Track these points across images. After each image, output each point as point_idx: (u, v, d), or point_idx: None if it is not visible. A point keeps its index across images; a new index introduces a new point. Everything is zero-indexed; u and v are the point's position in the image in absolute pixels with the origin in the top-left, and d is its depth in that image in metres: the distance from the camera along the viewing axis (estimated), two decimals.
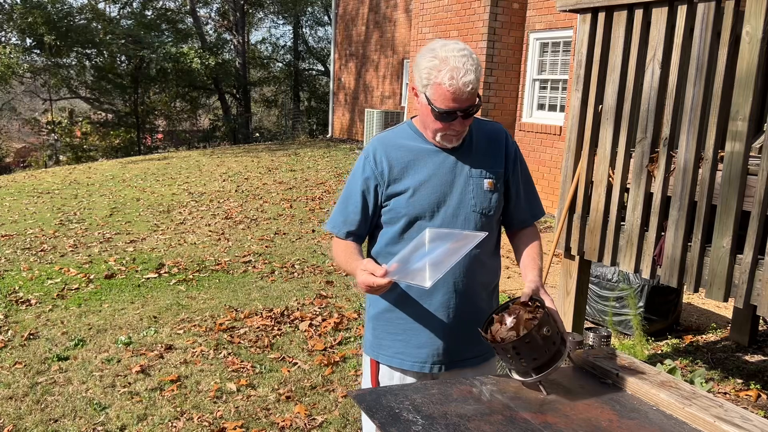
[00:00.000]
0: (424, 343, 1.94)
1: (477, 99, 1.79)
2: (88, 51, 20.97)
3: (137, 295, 5.28)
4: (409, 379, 1.97)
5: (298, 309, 4.98)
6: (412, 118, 1.99)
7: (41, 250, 6.64)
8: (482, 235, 1.70)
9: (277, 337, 4.43)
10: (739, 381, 3.90)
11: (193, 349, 4.18)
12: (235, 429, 3.20)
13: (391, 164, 1.90)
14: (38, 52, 20.40)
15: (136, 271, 5.93)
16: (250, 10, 25.54)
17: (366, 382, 2.08)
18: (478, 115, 1.96)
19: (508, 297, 2.00)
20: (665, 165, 3.15)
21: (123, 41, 20.41)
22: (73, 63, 21.65)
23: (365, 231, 1.99)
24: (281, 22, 28.83)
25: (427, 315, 1.92)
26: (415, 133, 1.94)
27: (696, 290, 3.07)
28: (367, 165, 1.93)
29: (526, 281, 1.85)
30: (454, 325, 1.92)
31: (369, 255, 2.03)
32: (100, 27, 20.78)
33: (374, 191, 1.93)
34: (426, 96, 1.80)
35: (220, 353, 4.11)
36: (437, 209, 1.88)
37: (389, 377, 2.00)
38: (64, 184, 11.38)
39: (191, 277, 5.78)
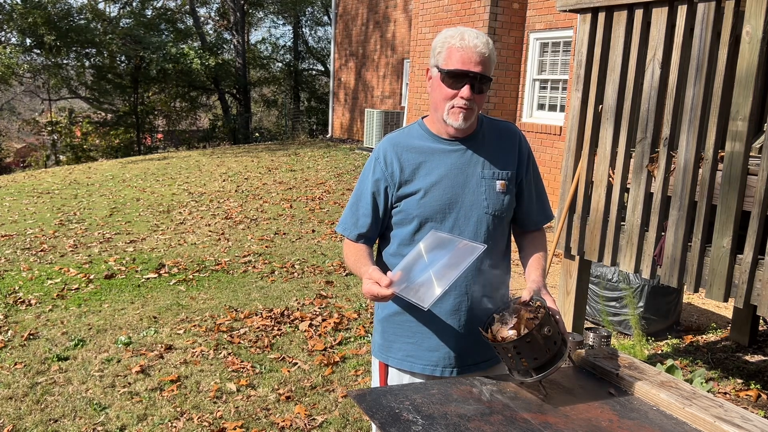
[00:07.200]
0: (435, 346, 1.92)
1: (488, 74, 1.80)
2: (88, 51, 20.97)
3: (137, 295, 5.27)
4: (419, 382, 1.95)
5: (298, 309, 4.98)
6: (423, 117, 1.97)
7: (41, 250, 6.64)
8: (481, 247, 1.68)
9: (277, 337, 4.43)
10: (739, 381, 3.90)
11: (193, 349, 4.18)
12: (235, 429, 3.20)
13: (402, 165, 1.88)
14: (38, 52, 20.40)
15: (136, 271, 5.93)
16: (250, 10, 25.54)
17: (375, 386, 2.06)
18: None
19: (510, 296, 2.01)
20: (665, 165, 3.15)
21: (123, 41, 20.40)
22: (73, 63, 21.65)
23: (376, 233, 1.98)
24: (281, 22, 28.85)
25: (439, 318, 1.90)
26: (426, 132, 1.92)
27: (696, 290, 3.07)
28: (377, 166, 1.91)
29: (528, 281, 1.85)
30: (466, 328, 1.90)
31: (380, 255, 2.02)
32: (99, 27, 20.78)
33: (384, 193, 1.91)
34: (438, 67, 1.82)
35: (220, 353, 4.11)
36: (449, 211, 1.86)
37: (399, 380, 1.98)
38: (64, 184, 11.38)
39: (191, 277, 5.78)
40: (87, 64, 21.58)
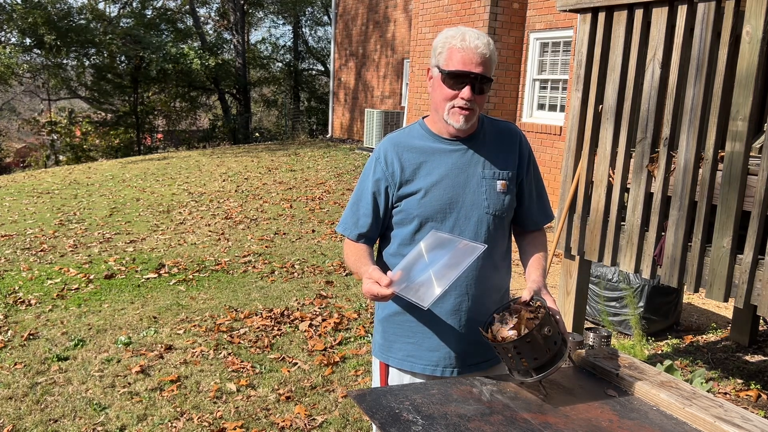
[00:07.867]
0: (436, 346, 1.92)
1: (489, 74, 1.80)
2: (88, 51, 20.97)
3: (137, 295, 5.27)
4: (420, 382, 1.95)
5: (298, 309, 4.98)
6: (423, 117, 1.97)
7: (41, 250, 6.64)
8: (482, 247, 1.68)
9: (277, 337, 4.43)
10: (740, 381, 3.90)
11: (193, 349, 4.18)
12: (235, 429, 3.20)
13: (403, 165, 1.89)
14: (38, 52, 20.40)
15: (136, 271, 5.93)
16: (250, 10, 25.54)
17: (375, 386, 2.06)
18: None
19: (510, 296, 2.01)
20: (665, 165, 3.15)
21: (123, 41, 20.40)
22: (73, 63, 21.65)
23: (376, 233, 1.98)
24: (281, 22, 28.84)
25: (439, 318, 1.90)
26: (427, 132, 1.93)
27: (696, 290, 3.07)
28: (378, 166, 1.92)
29: (528, 281, 1.85)
30: (467, 328, 1.90)
31: (381, 255, 2.02)
32: (99, 27, 20.78)
33: (385, 193, 1.91)
34: (439, 67, 1.82)
35: (220, 353, 4.11)
36: (450, 210, 1.87)
37: (399, 380, 1.98)
38: (63, 184, 11.38)
39: (191, 277, 5.78)
40: (87, 64, 21.58)
